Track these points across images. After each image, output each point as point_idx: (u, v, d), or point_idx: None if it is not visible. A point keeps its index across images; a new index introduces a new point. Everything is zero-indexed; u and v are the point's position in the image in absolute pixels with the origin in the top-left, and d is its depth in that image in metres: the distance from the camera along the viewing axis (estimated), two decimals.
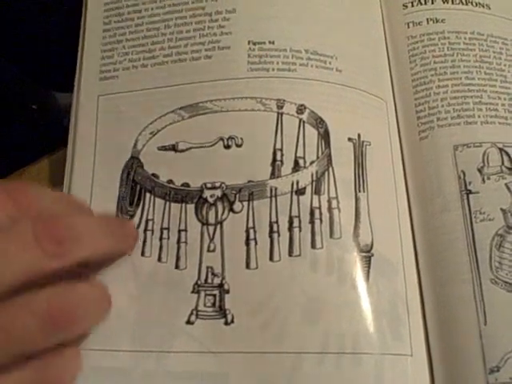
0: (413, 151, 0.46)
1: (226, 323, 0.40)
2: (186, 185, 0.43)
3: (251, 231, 0.41)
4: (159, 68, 0.47)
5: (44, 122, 0.57)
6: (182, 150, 0.44)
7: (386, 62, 0.50)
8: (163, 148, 0.45)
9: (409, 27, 0.51)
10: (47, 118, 0.57)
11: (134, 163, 0.45)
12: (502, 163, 0.44)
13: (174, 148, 0.44)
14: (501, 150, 0.45)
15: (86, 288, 0.38)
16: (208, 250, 0.42)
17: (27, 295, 0.34)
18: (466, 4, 0.52)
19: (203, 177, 0.43)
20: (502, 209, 0.43)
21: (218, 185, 0.43)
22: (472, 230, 0.42)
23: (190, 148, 0.44)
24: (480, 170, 0.44)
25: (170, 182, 0.44)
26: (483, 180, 0.44)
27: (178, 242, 0.42)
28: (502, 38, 0.51)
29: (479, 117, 0.46)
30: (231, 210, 0.42)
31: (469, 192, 0.43)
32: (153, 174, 0.44)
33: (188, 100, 0.45)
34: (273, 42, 0.46)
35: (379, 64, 0.49)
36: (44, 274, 0.35)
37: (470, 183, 0.44)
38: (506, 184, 0.44)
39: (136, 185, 0.44)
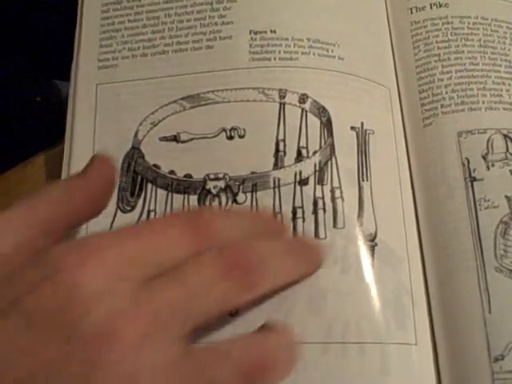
0: (417, 139, 0.46)
1: (231, 314, 0.40)
2: (189, 176, 0.43)
3: None
4: (159, 57, 0.47)
5: (48, 114, 0.56)
6: (184, 141, 0.44)
7: (389, 49, 0.49)
8: (165, 138, 0.45)
9: (412, 12, 0.50)
10: (51, 109, 0.57)
11: (134, 153, 0.45)
12: (507, 150, 0.44)
13: (175, 139, 0.44)
14: (505, 136, 0.45)
15: (278, 337, 0.36)
16: None
17: (225, 343, 0.34)
18: None
19: (206, 168, 0.43)
20: (506, 196, 0.42)
21: (221, 176, 0.43)
22: (476, 217, 0.42)
23: (192, 139, 0.44)
24: (484, 157, 0.44)
25: (172, 172, 0.44)
26: (487, 167, 0.44)
27: None
28: (506, 21, 0.50)
29: (483, 103, 0.46)
30: (235, 201, 0.42)
31: (473, 179, 0.43)
32: (154, 165, 0.44)
33: (189, 90, 0.45)
34: (274, 31, 0.46)
35: (382, 51, 0.49)
36: (235, 308, 0.34)
37: (474, 170, 0.43)
38: (510, 171, 0.43)
39: (137, 175, 0.44)
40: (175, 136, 0.44)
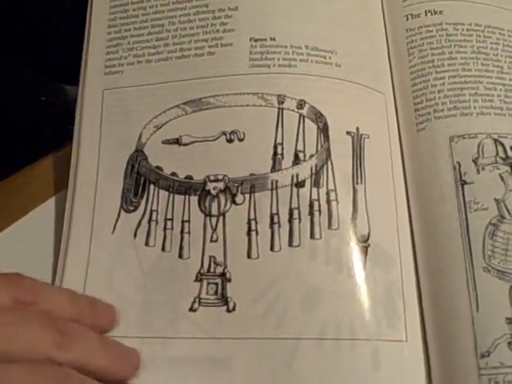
0: (411, 143, 0.48)
1: (228, 310, 0.42)
2: (190, 177, 0.45)
3: (252, 222, 0.43)
4: (164, 64, 0.48)
5: (54, 114, 0.58)
6: (186, 144, 0.46)
7: (385, 55, 0.51)
8: (167, 141, 0.46)
9: (408, 19, 0.52)
10: (57, 110, 0.59)
11: (138, 156, 0.46)
12: (497, 154, 0.46)
13: (177, 142, 0.46)
14: (495, 140, 0.46)
15: None
16: (211, 241, 0.44)
17: None
18: None
19: (206, 170, 0.45)
20: (495, 199, 0.44)
21: (220, 177, 0.44)
22: (466, 219, 0.44)
23: (194, 142, 0.46)
24: (475, 161, 0.45)
25: (174, 174, 0.45)
26: (478, 171, 0.45)
27: (182, 232, 0.44)
28: (499, 28, 0.52)
29: (475, 108, 0.47)
30: (233, 201, 0.44)
31: (464, 182, 0.45)
32: (157, 167, 0.46)
33: (191, 95, 0.47)
34: (274, 39, 0.48)
35: (379, 57, 0.51)
36: (45, 358, 0.36)
37: (465, 174, 0.45)
38: (499, 174, 0.45)
39: (140, 177, 0.46)
40: (177, 139, 0.46)
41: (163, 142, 0.46)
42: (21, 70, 0.57)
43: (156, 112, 0.47)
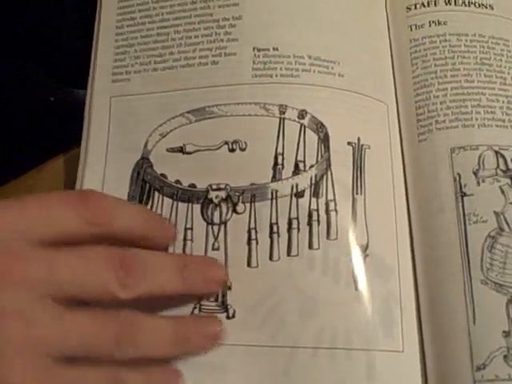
0: (412, 154, 0.48)
1: (228, 317, 0.42)
2: (193, 185, 0.46)
3: (253, 231, 0.44)
4: (169, 72, 0.49)
5: (62, 115, 0.59)
6: (190, 152, 0.46)
7: (389, 66, 0.51)
8: (172, 150, 0.47)
9: (412, 30, 0.52)
10: (65, 111, 0.60)
11: (144, 163, 0.47)
12: (498, 166, 0.46)
13: (181, 150, 0.47)
14: (497, 152, 0.46)
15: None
16: (212, 249, 0.44)
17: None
18: (469, 5, 0.53)
19: (209, 178, 0.45)
20: (495, 211, 0.44)
21: (222, 186, 0.45)
22: (465, 231, 0.44)
23: (197, 150, 0.46)
24: (475, 173, 0.46)
25: (178, 182, 0.46)
26: (478, 183, 0.45)
27: (185, 239, 0.44)
28: (503, 39, 0.52)
29: (477, 119, 0.47)
30: (234, 210, 0.44)
31: (463, 194, 0.45)
32: (161, 174, 0.46)
33: (195, 104, 0.47)
34: (277, 49, 0.48)
35: (382, 67, 0.51)
36: (110, 300, 0.37)
37: (465, 186, 0.45)
38: (500, 187, 0.45)
39: (146, 184, 0.46)
40: (181, 147, 0.47)
41: (168, 150, 0.47)
42: (26, 71, 0.57)
43: (161, 120, 0.48)
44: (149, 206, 0.46)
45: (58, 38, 0.56)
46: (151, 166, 0.47)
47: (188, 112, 0.47)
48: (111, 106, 0.49)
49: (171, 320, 0.41)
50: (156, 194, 0.46)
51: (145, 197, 0.46)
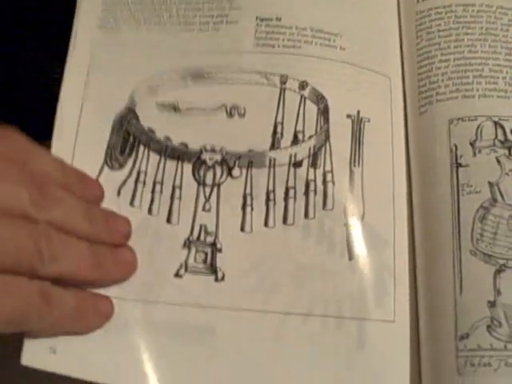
0: (414, 126, 0.48)
1: (217, 280, 0.43)
2: (184, 144, 0.46)
3: (248, 197, 0.45)
4: (166, 30, 0.49)
5: None
6: (183, 111, 0.47)
7: (396, 39, 0.51)
8: (162, 104, 0.47)
9: (418, 2, 0.52)
10: None
11: (128, 114, 0.46)
12: (496, 136, 0.46)
13: (174, 107, 0.47)
14: (496, 123, 0.47)
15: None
16: (203, 209, 0.44)
17: None
18: None
19: (203, 139, 0.46)
20: (489, 182, 0.45)
21: (217, 149, 0.45)
22: (458, 202, 0.45)
23: (192, 109, 0.47)
24: (472, 144, 0.46)
25: (167, 139, 0.46)
26: (474, 153, 0.46)
27: (172, 197, 0.45)
28: None
29: (478, 90, 0.48)
30: (230, 174, 0.45)
31: (459, 165, 0.46)
32: (149, 129, 0.46)
33: (192, 62, 0.48)
34: (280, 19, 0.49)
35: (388, 41, 0.51)
36: (21, 214, 0.37)
37: (461, 156, 0.46)
38: (496, 157, 0.45)
39: (129, 135, 0.46)
40: (174, 104, 0.47)
41: (158, 104, 0.47)
42: (34, 52, 0.57)
43: (151, 70, 0.47)
44: (132, 159, 0.46)
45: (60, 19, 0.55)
46: (137, 119, 0.46)
47: (185, 76, 0.47)
48: (94, 51, 0.48)
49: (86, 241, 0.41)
50: (141, 147, 0.46)
51: (127, 148, 0.46)
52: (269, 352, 0.42)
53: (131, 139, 0.46)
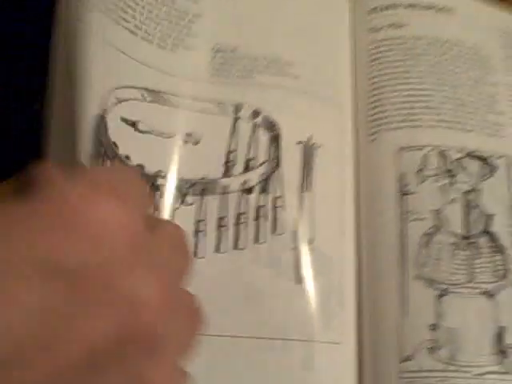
0: (363, 154, 0.50)
1: None
2: (141, 166, 0.45)
3: (201, 223, 0.45)
4: (128, 34, 0.47)
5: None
6: (142, 131, 0.46)
7: (347, 68, 0.53)
8: (125, 121, 0.46)
9: (372, 32, 0.54)
10: None
11: (101, 122, 0.44)
12: (440, 166, 0.48)
13: (134, 125, 0.46)
14: (441, 153, 0.48)
15: None
16: None
17: None
18: (430, 8, 0.54)
19: (158, 164, 0.45)
20: (433, 210, 0.47)
21: (172, 175, 0.45)
22: (403, 228, 0.46)
23: (150, 132, 0.46)
24: (418, 172, 0.48)
25: (127, 158, 0.45)
26: (420, 182, 0.47)
27: None
28: (461, 42, 0.53)
29: (424, 121, 0.50)
30: (183, 202, 0.46)
31: (405, 193, 0.47)
32: (113, 143, 0.45)
33: (150, 82, 0.47)
34: (235, 50, 0.50)
35: (339, 69, 0.53)
36: None
37: (407, 185, 0.47)
38: (439, 186, 0.47)
39: (101, 147, 0.44)
40: (134, 123, 0.46)
41: (122, 120, 0.46)
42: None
43: (116, 82, 0.46)
44: None
45: None
46: (106, 130, 0.45)
47: (144, 89, 0.47)
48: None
49: None
50: (108, 162, 0.44)
51: (101, 159, 0.44)
52: (218, 375, 0.43)
53: (103, 151, 0.45)
